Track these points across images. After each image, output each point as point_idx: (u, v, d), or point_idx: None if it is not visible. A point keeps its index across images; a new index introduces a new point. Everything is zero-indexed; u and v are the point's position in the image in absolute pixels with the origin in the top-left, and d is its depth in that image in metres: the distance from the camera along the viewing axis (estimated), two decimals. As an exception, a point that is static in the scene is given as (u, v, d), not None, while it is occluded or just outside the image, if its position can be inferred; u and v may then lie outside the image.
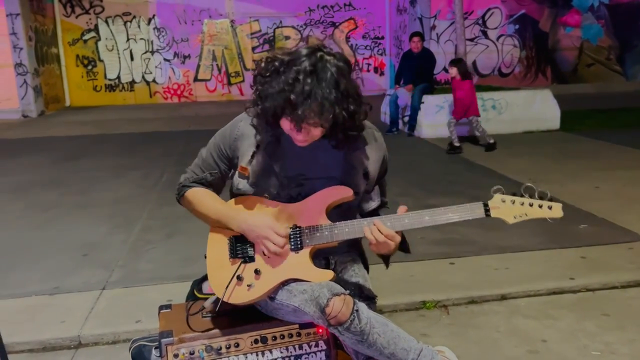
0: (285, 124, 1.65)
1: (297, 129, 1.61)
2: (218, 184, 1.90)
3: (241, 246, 1.75)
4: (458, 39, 9.28)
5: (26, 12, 11.48)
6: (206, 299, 1.93)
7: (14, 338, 2.60)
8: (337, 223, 1.71)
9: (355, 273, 1.89)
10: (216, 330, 1.74)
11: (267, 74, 1.64)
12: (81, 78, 14.04)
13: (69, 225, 4.30)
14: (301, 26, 14.59)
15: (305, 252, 1.71)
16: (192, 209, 1.87)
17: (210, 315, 1.79)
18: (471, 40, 12.86)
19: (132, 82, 14.31)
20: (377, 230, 1.66)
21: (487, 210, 1.68)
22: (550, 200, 1.68)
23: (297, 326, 1.78)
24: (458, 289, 3.01)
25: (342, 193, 1.74)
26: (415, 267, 3.33)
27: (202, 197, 1.84)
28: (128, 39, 14.09)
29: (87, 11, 13.75)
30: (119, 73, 14.21)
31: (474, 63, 13.26)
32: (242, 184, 1.80)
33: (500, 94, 8.42)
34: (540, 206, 1.67)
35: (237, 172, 1.83)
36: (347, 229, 1.70)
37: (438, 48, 12.37)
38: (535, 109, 8.41)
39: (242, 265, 1.72)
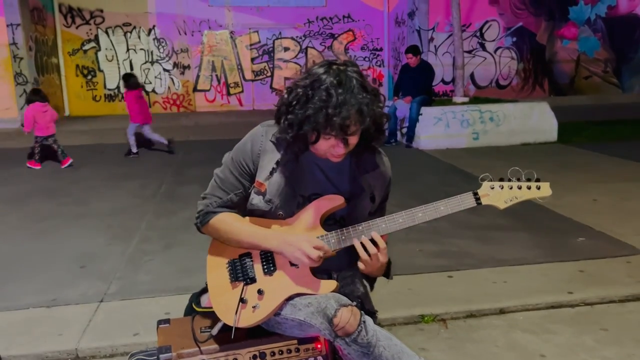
0: (323, 145, 1.67)
1: (344, 143, 1.64)
2: (242, 204, 1.85)
3: (241, 268, 1.75)
4: (456, 51, 9.34)
5: (27, 23, 11.52)
6: (205, 312, 1.92)
7: (10, 351, 2.59)
8: (332, 232, 1.73)
9: (357, 288, 1.89)
10: (215, 346, 1.73)
11: (295, 102, 1.66)
12: (81, 88, 14.06)
13: (67, 236, 4.29)
14: (300, 38, 14.67)
15: (306, 265, 1.71)
16: (220, 235, 1.80)
17: (209, 331, 1.78)
18: (469, 52, 12.95)
19: (132, 92, 14.32)
20: (368, 242, 1.68)
21: (477, 199, 1.71)
22: (538, 180, 1.70)
23: (295, 342, 1.77)
24: (456, 303, 3.01)
25: (334, 202, 1.75)
26: (413, 280, 3.33)
27: (231, 222, 1.79)
28: (128, 50, 14.13)
29: (87, 22, 13.79)
30: (119, 83, 14.21)
31: (472, 75, 13.34)
32: (256, 199, 1.79)
33: (498, 106, 8.47)
34: (529, 187, 1.70)
35: (252, 187, 1.81)
36: (344, 237, 1.72)
37: (436, 60, 12.44)
38: (532, 121, 8.45)
39: (245, 287, 1.72)
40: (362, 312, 1.67)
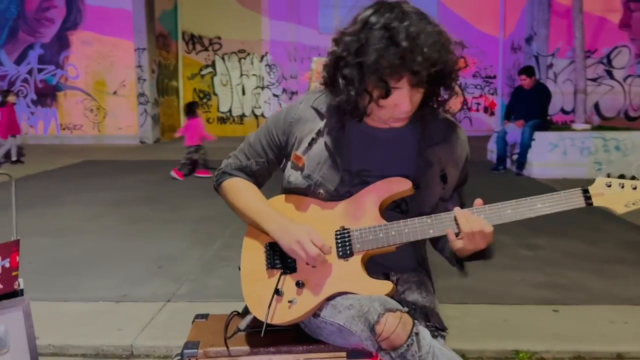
0: (390, 101, 1.33)
1: (412, 84, 1.29)
2: (263, 175, 1.63)
3: (280, 254, 1.46)
4: (578, 78, 8.55)
5: (152, 48, 12.44)
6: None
7: (69, 341, 2.54)
8: (395, 222, 1.39)
9: (422, 296, 1.53)
10: (245, 348, 1.47)
11: (345, 54, 1.33)
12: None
13: (153, 238, 4.33)
14: (409, 64, 14.43)
15: (357, 260, 1.40)
16: (228, 201, 1.60)
17: (240, 330, 1.51)
18: (594, 80, 11.86)
19: (242, 116, 14.89)
20: (465, 220, 1.32)
21: (587, 198, 1.30)
22: None
23: (344, 354, 1.46)
24: (562, 341, 2.50)
25: (399, 186, 1.41)
26: (510, 310, 2.86)
27: (241, 190, 1.57)
28: (241, 75, 14.76)
29: (206, 48, 14.64)
30: (231, 106, 14.87)
31: (597, 105, 12.19)
32: (294, 176, 1.52)
33: (625, 134, 7.55)
34: None
35: (289, 162, 1.55)
36: (407, 229, 1.37)
37: (555, 88, 11.52)
38: (666, 152, 7.42)
39: (282, 276, 1.43)
40: (416, 321, 1.32)
